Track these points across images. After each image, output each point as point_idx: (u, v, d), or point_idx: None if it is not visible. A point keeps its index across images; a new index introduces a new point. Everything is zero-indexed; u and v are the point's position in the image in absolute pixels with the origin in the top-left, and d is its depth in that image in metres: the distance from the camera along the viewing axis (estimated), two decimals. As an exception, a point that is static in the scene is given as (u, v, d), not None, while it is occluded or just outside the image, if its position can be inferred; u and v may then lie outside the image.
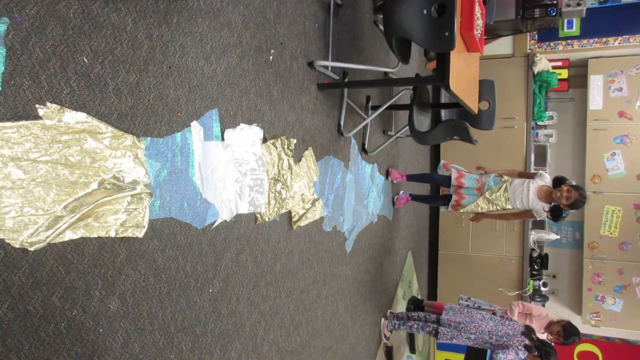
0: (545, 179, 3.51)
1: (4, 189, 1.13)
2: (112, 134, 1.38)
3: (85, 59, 1.30)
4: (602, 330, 5.43)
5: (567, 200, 3.28)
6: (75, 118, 1.28)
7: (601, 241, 5.19)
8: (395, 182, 4.15)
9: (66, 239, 1.27)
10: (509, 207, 3.63)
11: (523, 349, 3.06)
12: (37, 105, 1.19)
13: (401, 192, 4.24)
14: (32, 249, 1.18)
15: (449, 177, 3.79)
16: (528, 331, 3.23)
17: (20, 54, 1.14)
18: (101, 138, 1.35)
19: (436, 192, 5.19)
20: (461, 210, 3.82)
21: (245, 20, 1.97)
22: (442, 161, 4.01)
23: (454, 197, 3.79)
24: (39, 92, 1.19)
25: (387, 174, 4.05)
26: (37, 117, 1.19)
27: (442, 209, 4.13)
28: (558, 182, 3.40)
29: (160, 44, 1.54)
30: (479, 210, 3.73)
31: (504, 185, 3.61)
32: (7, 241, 1.13)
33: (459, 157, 5.45)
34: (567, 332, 3.51)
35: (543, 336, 3.65)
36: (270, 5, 2.14)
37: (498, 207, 3.67)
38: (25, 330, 1.19)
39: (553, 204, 3.42)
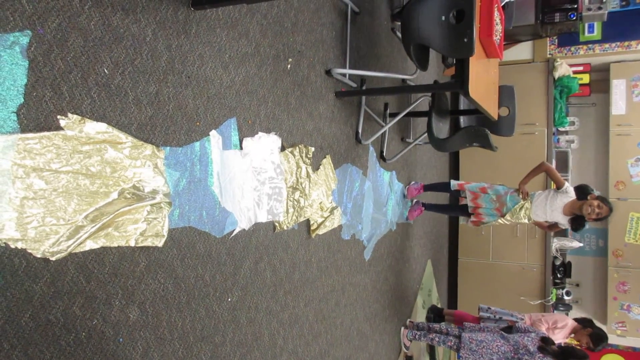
0: (571, 194, 3.35)
1: (27, 199, 1.14)
2: (132, 144, 1.39)
3: (105, 70, 1.31)
4: (628, 340, 5.29)
5: (597, 216, 3.19)
6: (95, 128, 1.29)
7: (626, 249, 5.06)
8: (415, 200, 4.09)
9: (87, 248, 1.28)
10: (529, 221, 3.63)
11: None
12: (58, 116, 1.20)
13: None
14: (53, 258, 1.19)
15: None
16: (545, 344, 3.15)
17: (43, 65, 1.16)
18: (121, 148, 1.36)
19: (455, 200, 5.09)
20: (482, 226, 3.80)
21: (263, 30, 1.97)
22: (455, 181, 3.89)
23: (473, 217, 3.77)
24: (61, 103, 1.21)
25: (404, 195, 3.99)
26: (58, 127, 1.20)
27: (462, 220, 4.05)
28: (582, 192, 3.27)
29: (179, 54, 1.55)
30: (503, 223, 3.71)
31: (524, 205, 3.54)
32: (29, 251, 1.15)
33: (479, 163, 5.40)
34: (596, 341, 3.45)
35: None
36: (287, 14, 2.14)
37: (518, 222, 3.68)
38: (47, 340, 1.19)
39: (574, 214, 3.33)
